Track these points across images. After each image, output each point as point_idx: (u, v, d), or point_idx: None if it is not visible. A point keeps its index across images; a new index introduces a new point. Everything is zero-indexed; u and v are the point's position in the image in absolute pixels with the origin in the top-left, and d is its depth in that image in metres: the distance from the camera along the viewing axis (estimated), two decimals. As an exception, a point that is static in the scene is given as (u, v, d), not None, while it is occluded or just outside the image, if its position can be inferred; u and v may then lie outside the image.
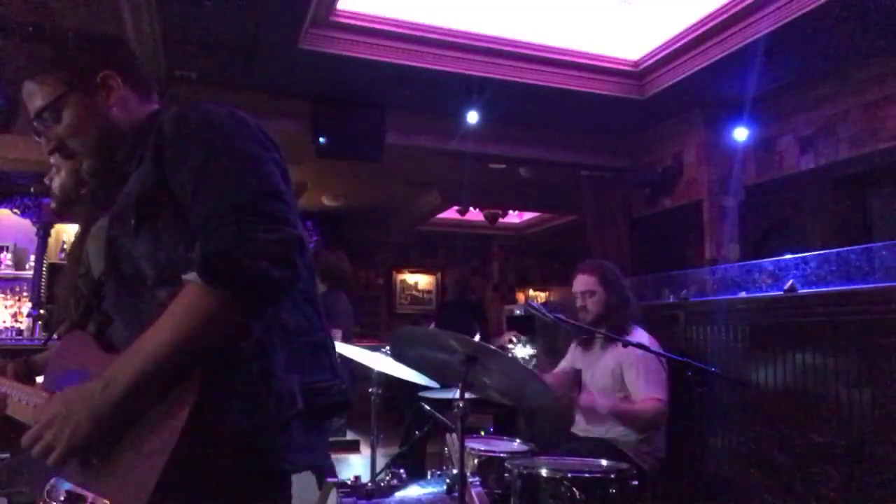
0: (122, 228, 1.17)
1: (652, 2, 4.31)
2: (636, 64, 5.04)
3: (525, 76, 4.86)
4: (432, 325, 5.61)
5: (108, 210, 1.23)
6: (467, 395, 2.17)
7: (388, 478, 2.46)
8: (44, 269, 6.58)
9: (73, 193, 1.80)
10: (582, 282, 3.12)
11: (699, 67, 4.65)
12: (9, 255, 6.87)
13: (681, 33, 4.59)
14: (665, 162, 5.95)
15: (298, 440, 1.14)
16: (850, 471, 2.55)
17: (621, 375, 2.93)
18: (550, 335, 4.48)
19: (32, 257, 6.66)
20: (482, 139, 5.64)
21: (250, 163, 1.11)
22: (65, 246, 6.73)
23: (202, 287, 1.02)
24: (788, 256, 3.10)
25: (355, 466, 5.27)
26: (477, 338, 4.87)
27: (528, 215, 9.57)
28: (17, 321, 6.69)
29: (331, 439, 3.15)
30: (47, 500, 1.13)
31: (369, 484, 2.34)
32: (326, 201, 8.23)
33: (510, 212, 9.02)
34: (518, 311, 5.67)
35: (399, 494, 2.32)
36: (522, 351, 4.93)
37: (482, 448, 2.64)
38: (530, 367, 3.77)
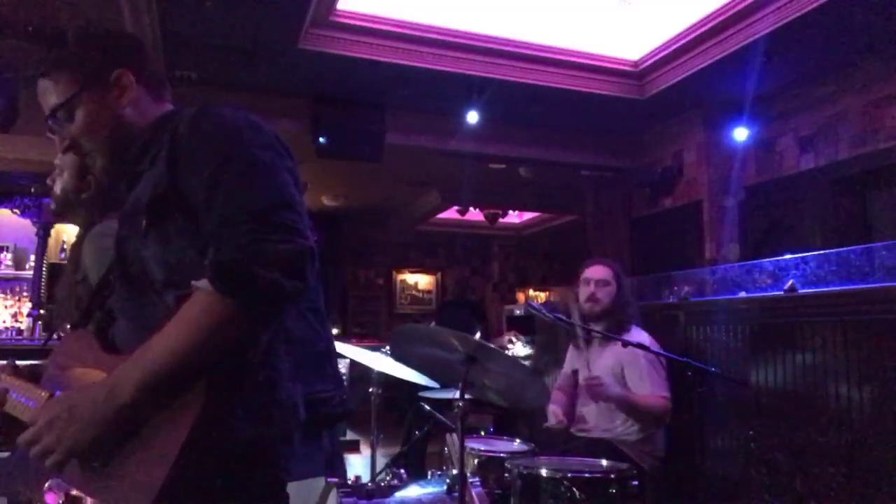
0: (132, 230, 1.16)
1: (652, 2, 4.31)
2: (636, 64, 5.03)
3: (525, 76, 4.86)
4: (431, 325, 5.61)
5: (108, 214, 1.22)
6: (467, 395, 2.17)
7: (388, 478, 2.47)
8: (44, 269, 6.57)
9: (74, 196, 1.80)
10: (597, 271, 3.15)
11: (699, 67, 4.65)
12: (9, 255, 6.87)
13: (681, 33, 4.59)
14: (665, 162, 5.95)
15: (298, 450, 1.14)
16: (850, 471, 2.55)
17: (622, 374, 2.93)
18: (550, 335, 4.48)
19: (32, 257, 6.66)
20: (482, 139, 5.64)
21: (265, 171, 1.10)
22: (65, 246, 6.73)
23: (213, 295, 1.01)
24: (788, 256, 3.10)
25: (355, 466, 5.27)
26: (477, 336, 4.89)
27: (528, 215, 9.57)
28: (17, 321, 6.68)
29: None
30: (46, 501, 1.13)
31: (369, 484, 2.35)
32: (326, 201, 8.23)
33: (510, 212, 9.02)
34: (518, 311, 5.68)
35: (399, 494, 2.32)
36: (523, 350, 4.94)
37: (482, 448, 2.64)
38: (529, 368, 3.77)
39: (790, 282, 2.94)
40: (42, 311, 6.35)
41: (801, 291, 2.89)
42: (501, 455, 2.57)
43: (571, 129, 6.00)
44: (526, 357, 4.88)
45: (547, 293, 10.65)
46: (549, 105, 5.28)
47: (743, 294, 3.22)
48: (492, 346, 2.18)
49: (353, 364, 2.93)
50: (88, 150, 1.26)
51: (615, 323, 3.00)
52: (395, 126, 5.38)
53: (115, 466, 1.05)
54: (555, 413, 3.05)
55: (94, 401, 1.04)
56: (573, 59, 4.88)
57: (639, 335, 2.96)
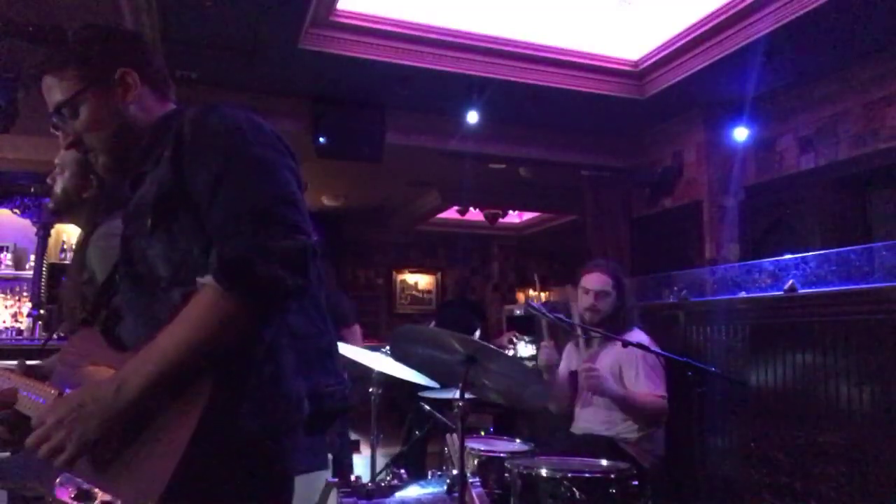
0: (137, 228, 1.18)
1: (652, 2, 4.31)
2: (636, 64, 5.04)
3: (525, 76, 4.86)
4: (432, 324, 5.61)
5: (110, 214, 1.23)
6: (467, 395, 2.17)
7: (388, 478, 2.46)
8: (44, 269, 6.56)
9: (75, 196, 1.81)
10: (597, 280, 3.06)
11: (699, 67, 4.65)
12: (9, 255, 6.86)
13: (681, 33, 4.59)
14: (665, 162, 5.95)
15: (303, 444, 1.16)
16: (850, 471, 2.55)
17: (620, 374, 2.93)
18: (550, 335, 4.47)
19: (32, 257, 6.65)
20: (482, 139, 5.64)
21: (268, 169, 1.12)
22: (65, 246, 6.73)
23: (217, 291, 1.04)
24: (788, 256, 3.10)
25: (355, 466, 5.26)
26: (478, 334, 4.90)
27: (528, 215, 9.57)
28: (17, 321, 6.68)
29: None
30: (57, 495, 1.14)
31: (369, 484, 2.35)
32: (326, 201, 8.23)
33: (510, 212, 9.02)
34: (518, 311, 5.68)
35: (399, 494, 2.32)
36: (525, 350, 4.94)
37: (482, 448, 2.64)
38: (531, 367, 3.77)
39: (790, 282, 2.94)
40: (42, 311, 6.35)
41: (801, 291, 2.89)
42: (501, 455, 2.57)
43: (571, 129, 6.00)
44: (530, 357, 4.88)
45: (547, 293, 10.64)
46: (549, 105, 5.28)
47: (743, 294, 3.22)
48: (491, 346, 2.18)
49: (353, 364, 2.93)
50: (91, 147, 1.27)
51: (614, 326, 3.00)
52: (395, 126, 5.38)
53: (124, 460, 1.08)
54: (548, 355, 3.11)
55: (102, 397, 1.06)
56: (573, 59, 4.88)
57: (638, 336, 2.96)
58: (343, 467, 3.49)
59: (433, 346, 2.21)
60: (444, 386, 2.96)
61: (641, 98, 5.19)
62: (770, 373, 2.93)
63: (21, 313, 6.69)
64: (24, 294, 6.75)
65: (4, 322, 6.69)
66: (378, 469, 3.08)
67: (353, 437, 6.34)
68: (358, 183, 7.46)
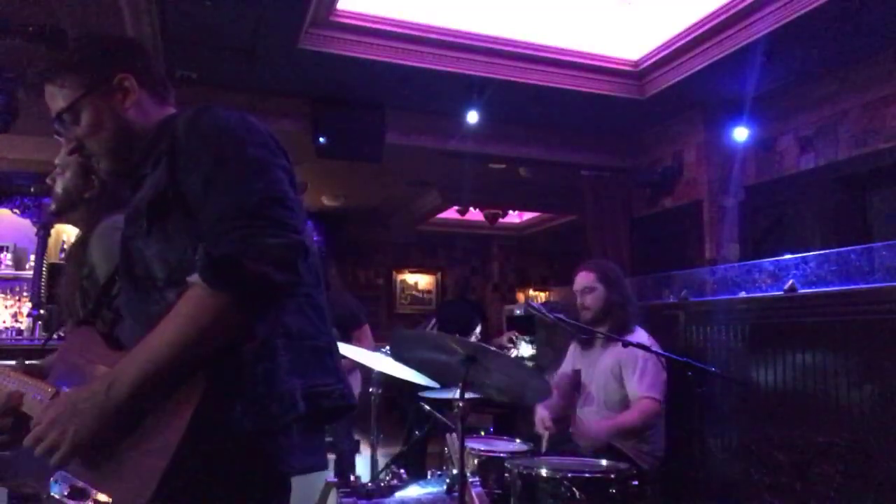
0: (135, 230, 1.20)
1: (652, 2, 4.31)
2: (636, 64, 5.03)
3: (525, 76, 4.86)
4: (433, 322, 5.61)
5: (111, 212, 1.24)
6: (467, 395, 2.17)
7: (388, 478, 2.46)
8: (44, 269, 6.54)
9: (76, 196, 1.81)
10: (581, 279, 3.13)
11: (699, 67, 4.65)
12: (9, 255, 6.86)
13: (681, 33, 4.59)
14: (665, 162, 5.95)
15: (299, 443, 1.16)
16: (850, 471, 2.55)
17: (620, 374, 2.93)
18: (550, 335, 4.48)
19: (32, 257, 6.65)
20: (482, 139, 5.64)
21: (258, 168, 1.13)
22: (65, 246, 6.73)
23: (205, 290, 1.04)
24: (788, 256, 3.10)
25: (355, 466, 5.26)
26: (478, 330, 4.90)
27: (528, 215, 9.57)
28: (17, 321, 6.68)
29: (329, 439, 3.15)
30: (51, 493, 1.14)
31: (369, 484, 2.35)
32: (326, 201, 8.23)
33: (510, 212, 9.02)
34: (518, 311, 5.67)
35: (399, 494, 2.32)
36: (525, 349, 4.94)
37: (482, 448, 2.65)
38: (530, 367, 3.77)
39: (790, 282, 2.94)
40: (42, 311, 6.35)
41: (801, 291, 2.89)
42: (501, 455, 2.57)
43: (571, 129, 6.00)
44: (531, 357, 4.88)
45: (547, 293, 10.65)
46: (549, 105, 5.28)
47: (743, 294, 3.22)
48: (491, 347, 2.18)
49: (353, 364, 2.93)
50: (93, 152, 1.29)
51: (613, 325, 2.99)
52: (394, 126, 5.37)
53: (117, 458, 1.08)
54: (542, 420, 2.95)
55: (94, 396, 1.07)
56: (573, 59, 4.88)
57: (639, 336, 2.96)
58: (347, 468, 3.49)
59: (432, 348, 2.22)
60: (444, 386, 2.96)
61: (641, 98, 5.19)
62: (770, 373, 2.93)
63: (21, 313, 6.69)
64: (24, 294, 6.75)
65: (4, 322, 6.69)
66: (378, 469, 3.08)
67: (354, 437, 6.35)
68: (358, 183, 7.46)
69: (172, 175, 1.15)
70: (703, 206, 5.51)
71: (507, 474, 2.42)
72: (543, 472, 2.25)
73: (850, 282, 2.71)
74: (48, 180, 1.85)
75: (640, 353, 2.77)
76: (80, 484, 1.11)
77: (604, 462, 2.43)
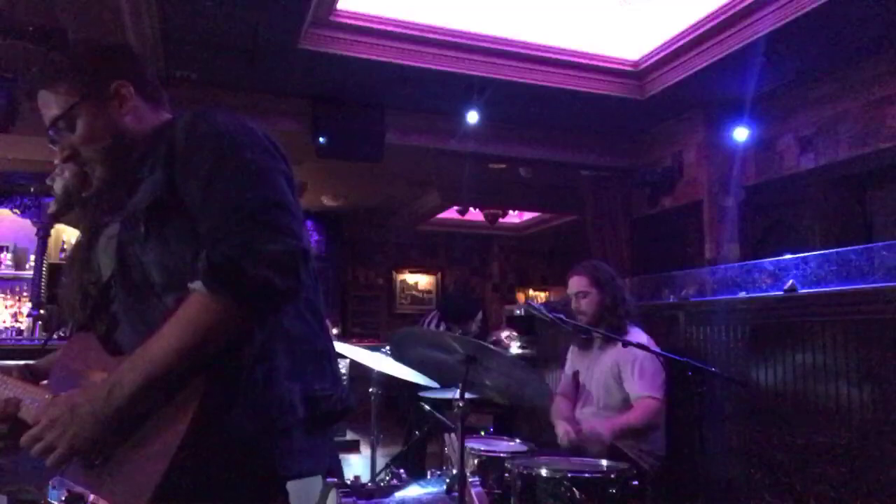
0: (132, 234, 1.19)
1: (652, 2, 4.31)
2: (636, 64, 5.03)
3: (525, 76, 4.86)
4: (433, 314, 5.60)
5: (114, 214, 1.23)
6: (467, 395, 2.17)
7: (388, 478, 2.46)
8: (44, 269, 6.56)
9: (75, 195, 1.80)
10: (575, 283, 3.11)
11: (699, 67, 4.65)
12: (9, 255, 6.87)
13: (681, 33, 4.59)
14: (665, 162, 5.95)
15: (298, 447, 1.15)
16: (850, 471, 2.55)
17: (619, 374, 2.93)
18: (550, 335, 4.48)
19: (32, 257, 6.65)
20: (482, 139, 5.64)
21: (258, 173, 1.13)
22: (65, 246, 6.73)
23: (206, 295, 1.04)
24: (788, 256, 3.10)
25: (355, 466, 5.27)
26: (480, 316, 4.90)
27: (528, 215, 9.57)
28: (17, 321, 6.69)
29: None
30: (49, 499, 1.14)
31: (369, 484, 2.34)
32: (326, 201, 8.23)
33: (510, 212, 9.02)
34: (518, 311, 5.67)
35: (399, 494, 2.32)
36: (516, 351, 4.94)
37: (482, 448, 2.64)
38: (530, 367, 3.76)
39: (790, 282, 2.94)
40: (42, 311, 6.35)
41: (801, 291, 2.89)
42: (501, 455, 2.57)
43: (571, 129, 6.01)
44: (522, 357, 4.88)
45: (547, 293, 10.65)
46: (549, 105, 5.28)
47: (743, 294, 3.22)
48: (491, 346, 2.18)
49: (353, 364, 2.93)
50: (88, 160, 1.28)
51: (611, 325, 2.99)
52: (394, 126, 5.38)
53: (115, 463, 1.08)
54: (567, 433, 2.88)
55: (93, 400, 1.06)
56: (573, 59, 4.88)
57: (638, 336, 2.96)
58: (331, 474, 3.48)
59: (432, 347, 2.22)
60: (444, 386, 2.96)
61: (641, 98, 5.19)
62: (770, 373, 2.93)
63: (21, 313, 6.69)
64: (24, 294, 6.75)
65: (4, 322, 6.70)
66: (378, 469, 3.07)
67: (354, 437, 6.36)
68: (358, 183, 7.47)
69: (170, 180, 1.14)
70: (703, 206, 5.51)
71: (507, 474, 2.41)
72: (543, 472, 2.25)
73: (850, 282, 2.71)
74: (48, 180, 1.85)
75: (639, 352, 2.76)
76: (78, 489, 1.11)
77: (604, 462, 2.42)
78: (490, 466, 2.54)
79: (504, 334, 5.26)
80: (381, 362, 2.88)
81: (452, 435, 2.58)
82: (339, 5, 4.17)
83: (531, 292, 10.73)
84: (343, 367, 5.47)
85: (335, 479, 2.30)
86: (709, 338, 3.28)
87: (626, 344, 2.67)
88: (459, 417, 2.14)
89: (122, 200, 1.24)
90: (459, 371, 2.14)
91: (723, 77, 4.72)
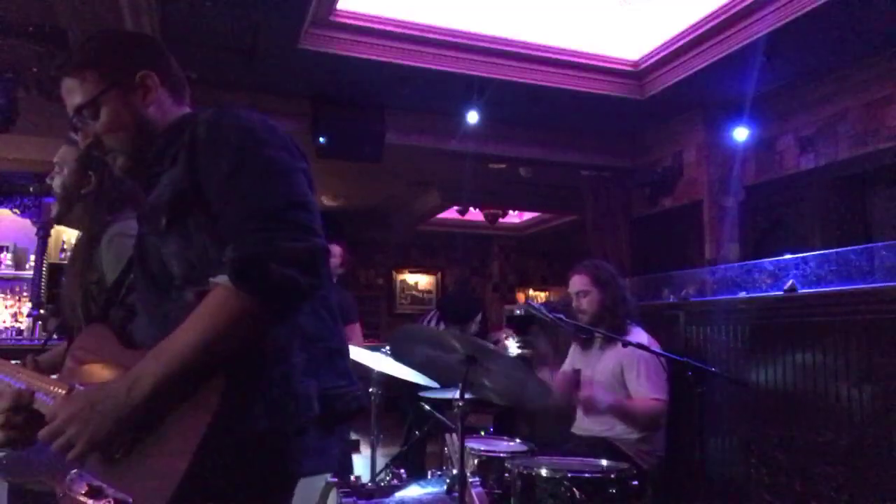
0: (152, 228, 1.20)
1: (652, 2, 4.31)
2: (636, 64, 5.03)
3: (525, 76, 4.86)
4: (433, 314, 5.59)
5: (115, 214, 1.23)
6: (467, 395, 2.17)
7: (388, 478, 2.46)
8: (44, 269, 6.56)
9: (74, 192, 1.81)
10: (575, 282, 3.13)
11: (699, 67, 4.65)
12: (9, 255, 6.86)
13: (681, 33, 4.59)
14: (665, 162, 5.95)
15: (312, 445, 1.16)
16: (850, 471, 2.55)
17: (622, 375, 2.93)
18: (550, 335, 4.47)
19: (32, 257, 6.65)
20: (482, 139, 5.63)
21: (280, 171, 1.14)
22: (65, 246, 6.73)
23: (231, 290, 1.05)
24: (788, 256, 3.10)
25: (355, 466, 5.26)
26: (479, 317, 4.90)
27: (528, 215, 9.57)
28: (17, 321, 6.68)
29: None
30: (68, 491, 1.14)
31: (369, 484, 2.34)
32: (326, 201, 8.23)
33: (510, 212, 9.02)
34: (518, 311, 5.67)
35: (399, 494, 2.32)
36: (514, 350, 4.94)
37: (482, 448, 2.64)
38: (529, 368, 3.76)
39: (790, 282, 2.94)
40: (42, 311, 6.35)
41: (801, 291, 2.89)
42: (501, 455, 2.57)
43: (571, 129, 6.00)
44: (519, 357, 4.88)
45: (547, 293, 10.66)
46: (549, 105, 5.28)
47: (743, 294, 3.22)
48: (490, 346, 2.18)
49: (354, 364, 2.92)
50: (111, 149, 1.28)
51: (610, 326, 2.99)
52: (395, 126, 5.38)
53: (136, 458, 1.08)
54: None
55: (115, 395, 1.07)
56: (573, 59, 4.88)
57: (638, 336, 2.96)
58: (344, 471, 3.48)
59: (432, 347, 2.22)
60: (444, 386, 2.96)
61: (641, 98, 5.19)
62: (770, 373, 2.93)
63: (21, 313, 6.69)
64: (24, 294, 6.75)
65: (4, 322, 6.69)
66: (378, 469, 3.07)
67: (354, 437, 6.34)
68: (358, 183, 7.46)
69: (192, 174, 1.15)
70: (703, 206, 5.51)
71: (507, 474, 2.42)
72: (543, 472, 2.25)
73: (850, 282, 2.71)
74: (48, 179, 1.85)
75: (640, 352, 2.77)
76: (97, 483, 1.11)
77: (604, 462, 2.42)
78: (490, 466, 2.55)
79: (503, 334, 5.26)
80: (381, 362, 2.89)
81: (452, 435, 2.58)
82: (339, 5, 4.17)
83: (531, 292, 10.74)
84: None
85: (344, 478, 2.31)
86: (709, 338, 3.28)
87: (626, 344, 2.67)
88: (459, 417, 2.14)
89: (122, 195, 1.24)
90: (459, 371, 2.14)
91: (723, 77, 4.72)
